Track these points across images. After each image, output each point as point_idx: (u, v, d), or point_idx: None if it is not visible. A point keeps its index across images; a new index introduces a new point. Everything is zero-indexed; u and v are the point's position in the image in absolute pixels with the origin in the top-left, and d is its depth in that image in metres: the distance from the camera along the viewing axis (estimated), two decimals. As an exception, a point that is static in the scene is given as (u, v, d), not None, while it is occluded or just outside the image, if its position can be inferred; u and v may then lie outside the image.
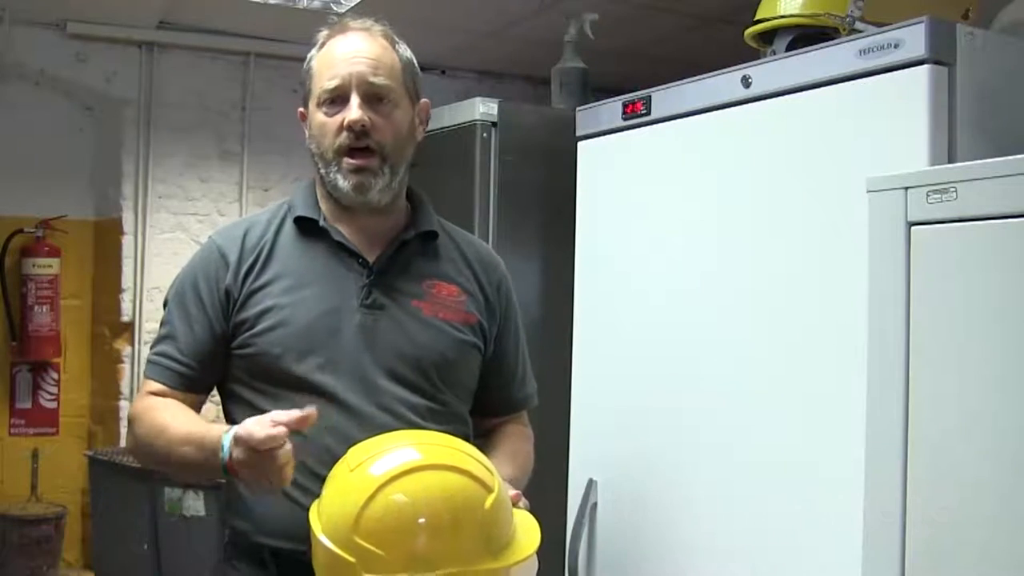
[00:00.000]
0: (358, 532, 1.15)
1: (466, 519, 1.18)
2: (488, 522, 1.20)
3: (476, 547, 1.18)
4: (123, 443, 3.37)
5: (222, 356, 1.48)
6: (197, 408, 1.51)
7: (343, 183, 1.46)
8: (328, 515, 1.20)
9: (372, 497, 1.16)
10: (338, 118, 1.45)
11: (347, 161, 1.45)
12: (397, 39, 1.53)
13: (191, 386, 1.49)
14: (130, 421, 1.49)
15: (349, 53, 1.47)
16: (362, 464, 1.22)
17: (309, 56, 1.53)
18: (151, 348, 1.54)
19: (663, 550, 1.83)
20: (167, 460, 1.44)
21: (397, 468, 1.19)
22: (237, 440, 1.25)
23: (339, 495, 1.21)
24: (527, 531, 1.27)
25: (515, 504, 1.31)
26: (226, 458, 1.28)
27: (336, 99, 1.46)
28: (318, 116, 1.48)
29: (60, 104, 3.48)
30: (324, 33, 1.53)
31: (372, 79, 1.46)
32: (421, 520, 1.16)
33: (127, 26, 3.30)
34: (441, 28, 3.15)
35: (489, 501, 1.20)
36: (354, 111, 1.44)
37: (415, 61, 1.56)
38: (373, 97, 1.46)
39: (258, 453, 1.22)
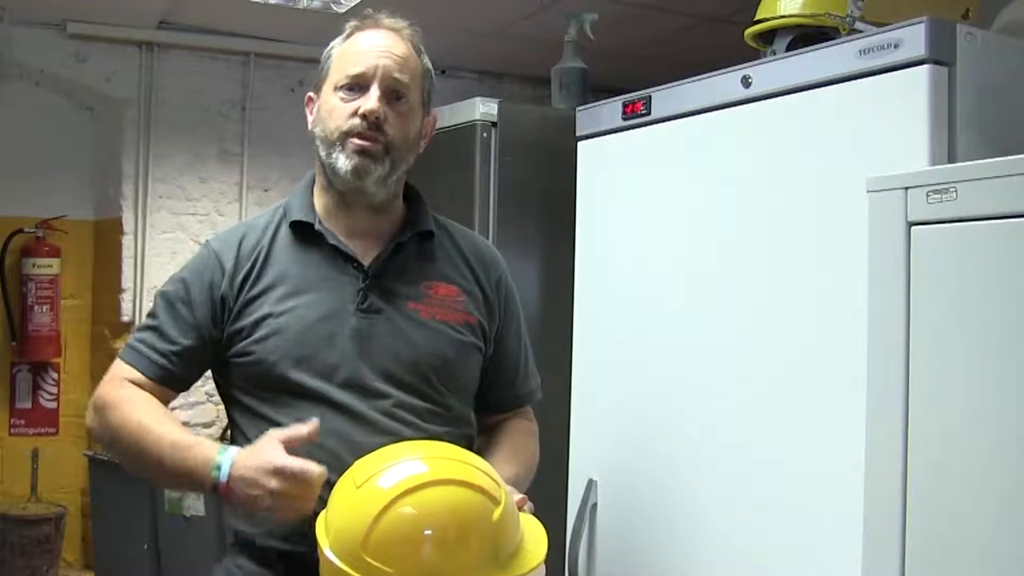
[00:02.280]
0: (366, 550, 1.14)
1: (474, 534, 1.17)
2: (496, 535, 1.19)
3: (484, 561, 1.17)
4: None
5: (203, 360, 1.48)
6: (165, 405, 1.48)
7: (343, 163, 1.44)
8: (335, 532, 1.19)
9: (380, 515, 1.15)
10: (353, 104, 1.45)
11: (353, 141, 1.44)
12: (422, 49, 1.54)
13: (166, 380, 1.47)
14: (100, 406, 1.45)
15: (379, 46, 1.47)
16: (369, 480, 1.20)
17: (332, 44, 1.52)
18: (133, 334, 1.52)
19: (663, 550, 1.82)
20: (138, 457, 1.40)
21: (404, 484, 1.18)
22: (276, 472, 1.23)
23: (346, 511, 1.20)
24: (534, 539, 1.26)
25: (520, 509, 1.30)
26: (223, 479, 1.28)
27: (355, 86, 1.46)
28: (332, 99, 1.47)
29: (60, 104, 3.48)
30: (354, 24, 1.52)
31: (396, 75, 1.46)
32: (429, 535, 1.15)
33: (127, 26, 3.30)
34: (441, 28, 3.14)
35: (496, 514, 1.19)
36: (373, 101, 1.44)
37: (433, 73, 1.56)
38: (392, 93, 1.46)
39: (300, 481, 1.23)
